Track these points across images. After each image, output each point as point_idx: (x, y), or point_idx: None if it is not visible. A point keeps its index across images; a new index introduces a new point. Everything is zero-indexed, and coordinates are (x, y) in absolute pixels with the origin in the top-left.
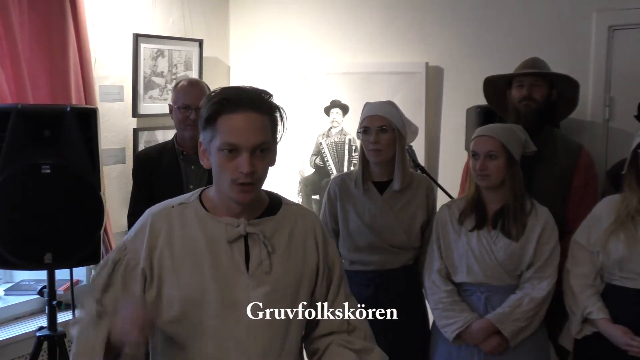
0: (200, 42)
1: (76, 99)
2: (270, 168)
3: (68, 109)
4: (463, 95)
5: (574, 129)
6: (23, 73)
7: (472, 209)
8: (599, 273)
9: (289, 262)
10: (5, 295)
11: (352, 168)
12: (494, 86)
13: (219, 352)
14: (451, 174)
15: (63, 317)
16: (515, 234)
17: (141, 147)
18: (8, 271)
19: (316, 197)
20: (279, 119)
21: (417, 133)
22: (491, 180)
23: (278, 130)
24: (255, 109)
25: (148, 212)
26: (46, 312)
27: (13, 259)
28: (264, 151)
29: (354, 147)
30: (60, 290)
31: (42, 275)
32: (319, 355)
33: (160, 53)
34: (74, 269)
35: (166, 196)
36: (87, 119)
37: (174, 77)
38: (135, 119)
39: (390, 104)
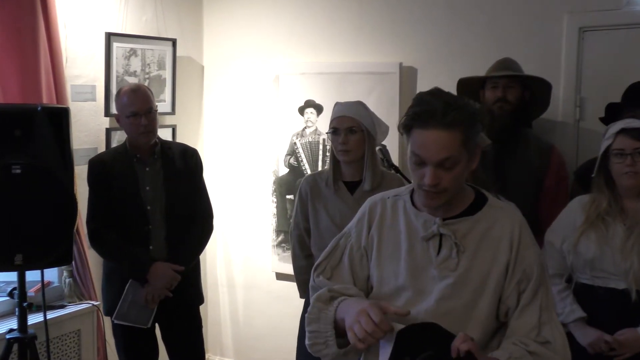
0: (174, 42)
1: (47, 99)
2: (247, 167)
3: (39, 108)
4: None
5: (545, 129)
6: None
7: None
8: (566, 274)
9: (475, 260)
10: None
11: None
12: (468, 87)
13: None
14: None
15: (33, 319)
16: None
17: (114, 146)
18: None
19: (290, 196)
20: None
21: (388, 132)
22: None
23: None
24: None
25: (367, 201)
26: (16, 314)
27: None
28: (445, 164)
29: (327, 147)
30: (31, 292)
31: (12, 276)
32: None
33: (133, 52)
34: (45, 271)
35: (124, 199)
36: (59, 118)
37: (147, 76)
38: (107, 118)
39: (360, 105)
